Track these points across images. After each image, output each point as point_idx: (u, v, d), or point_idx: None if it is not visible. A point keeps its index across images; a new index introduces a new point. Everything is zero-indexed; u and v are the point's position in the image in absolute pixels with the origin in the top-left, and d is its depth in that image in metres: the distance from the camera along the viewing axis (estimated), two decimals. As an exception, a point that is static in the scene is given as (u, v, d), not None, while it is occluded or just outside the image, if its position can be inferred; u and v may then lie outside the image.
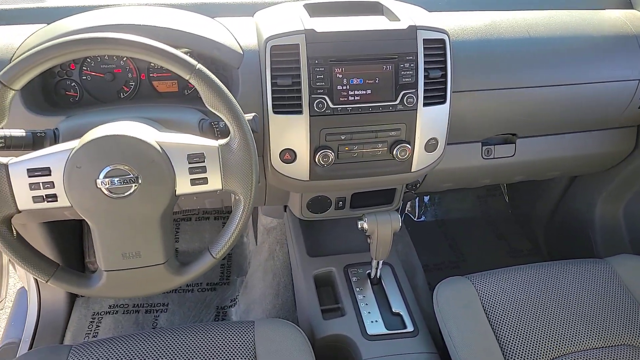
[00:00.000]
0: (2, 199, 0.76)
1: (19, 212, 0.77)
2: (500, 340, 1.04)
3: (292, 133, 0.99)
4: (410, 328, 1.16)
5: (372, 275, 1.27)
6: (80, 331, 1.60)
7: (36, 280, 1.59)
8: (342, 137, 1.02)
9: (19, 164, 0.76)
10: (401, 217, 1.15)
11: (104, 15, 1.01)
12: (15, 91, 0.73)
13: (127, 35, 0.75)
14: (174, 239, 0.86)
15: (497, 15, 1.17)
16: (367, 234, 1.15)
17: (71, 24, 0.97)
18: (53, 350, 0.99)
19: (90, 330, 1.61)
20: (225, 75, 1.04)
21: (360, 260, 1.33)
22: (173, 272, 0.86)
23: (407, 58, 0.99)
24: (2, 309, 1.66)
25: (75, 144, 0.78)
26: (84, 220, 0.80)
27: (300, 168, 1.03)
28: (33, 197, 0.76)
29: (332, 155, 1.01)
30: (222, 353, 0.98)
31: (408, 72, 0.99)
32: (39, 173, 0.76)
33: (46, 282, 0.81)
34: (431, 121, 1.03)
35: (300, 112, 0.98)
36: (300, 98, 0.97)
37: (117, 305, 1.69)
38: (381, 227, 1.12)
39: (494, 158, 1.26)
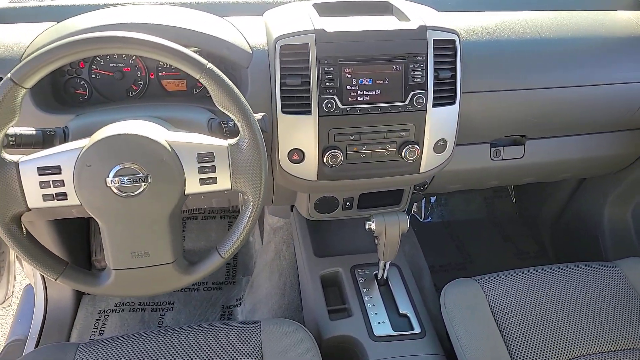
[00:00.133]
0: (13, 197, 0.76)
1: (29, 210, 0.77)
2: (508, 343, 1.03)
3: (300, 133, 0.99)
4: (417, 330, 1.15)
5: (379, 276, 1.27)
6: (86, 329, 1.60)
7: (43, 278, 1.60)
8: (351, 138, 1.01)
9: (29, 162, 0.76)
10: (408, 217, 1.14)
11: (114, 13, 1.01)
12: (27, 89, 0.73)
13: (138, 34, 0.75)
14: (182, 239, 0.86)
15: (508, 15, 1.17)
16: (374, 234, 1.15)
17: (81, 23, 0.97)
18: (60, 348, 1.00)
19: (97, 328, 1.61)
20: (234, 74, 1.04)
21: (367, 261, 1.33)
22: (181, 272, 0.86)
23: (417, 58, 0.98)
24: (9, 306, 1.66)
25: (85, 142, 0.78)
26: (91, 218, 0.80)
27: (309, 168, 1.03)
28: (43, 195, 0.77)
29: (340, 156, 1.01)
30: (229, 353, 0.98)
31: (418, 73, 0.99)
32: (50, 171, 0.76)
33: (55, 280, 0.81)
34: (440, 122, 1.03)
35: (309, 112, 0.98)
36: (309, 98, 0.97)
37: (123, 303, 1.69)
38: (389, 228, 1.12)
39: (502, 159, 1.26)
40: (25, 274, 1.84)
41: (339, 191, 1.18)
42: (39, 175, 0.76)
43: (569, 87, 1.14)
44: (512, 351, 1.02)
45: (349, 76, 0.97)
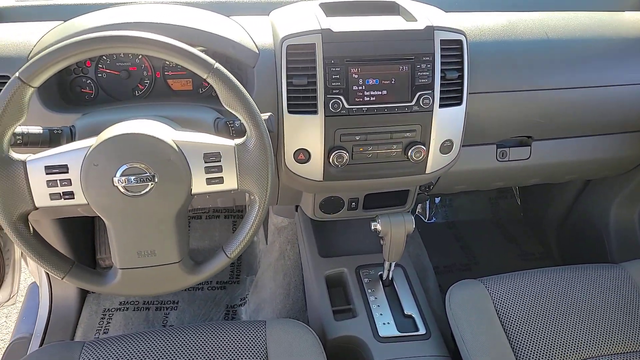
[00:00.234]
0: (20, 195, 0.76)
1: (36, 209, 0.77)
2: (514, 345, 1.03)
3: (306, 133, 0.99)
4: (422, 331, 1.15)
5: (384, 276, 1.27)
6: (90, 327, 1.61)
7: (48, 276, 1.60)
8: (357, 138, 1.01)
9: (36, 161, 0.76)
10: (413, 218, 1.14)
11: (120, 12, 1.01)
12: (35, 88, 0.73)
13: (146, 33, 0.75)
14: (188, 238, 0.86)
15: (515, 16, 1.16)
16: (380, 235, 1.14)
17: (88, 22, 0.98)
18: (67, 346, 1.00)
19: (101, 327, 1.62)
20: (240, 74, 1.04)
21: (372, 262, 1.33)
22: (187, 271, 0.86)
23: (424, 59, 0.98)
24: (13, 304, 1.67)
25: (92, 141, 0.78)
26: (95, 217, 0.80)
27: (314, 168, 1.03)
28: (50, 194, 0.77)
29: (346, 156, 1.01)
30: (234, 352, 0.98)
31: (424, 73, 0.98)
32: (57, 170, 0.76)
33: (61, 279, 0.81)
34: (447, 122, 1.03)
35: (315, 112, 0.97)
36: (315, 98, 0.97)
37: (127, 302, 1.70)
38: (394, 229, 1.12)
39: (508, 160, 1.25)
40: (30, 272, 1.85)
41: (345, 191, 1.18)
42: (47, 174, 0.76)
43: (577, 88, 1.13)
44: (517, 353, 1.02)
45: (356, 76, 0.97)
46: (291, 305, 1.55)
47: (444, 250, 1.92)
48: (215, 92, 0.82)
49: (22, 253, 1.49)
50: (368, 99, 0.98)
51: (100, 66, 1.04)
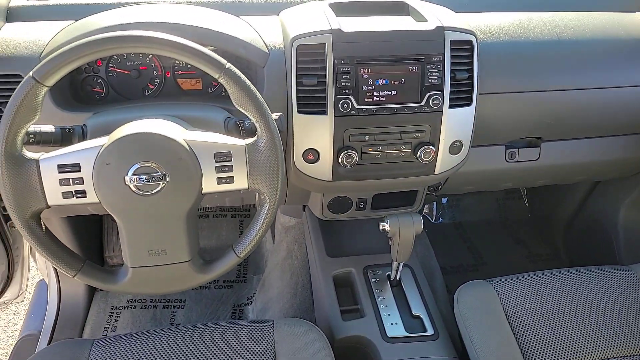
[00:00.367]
0: (33, 194, 0.76)
1: (49, 207, 0.78)
2: (523, 347, 1.03)
3: (316, 133, 0.99)
4: (430, 331, 1.15)
5: (392, 277, 1.26)
6: (98, 325, 1.62)
7: (56, 274, 1.61)
8: (366, 138, 1.01)
9: (49, 159, 0.77)
10: (422, 219, 1.14)
11: (131, 12, 1.02)
12: (48, 88, 0.74)
13: (159, 33, 0.75)
14: (198, 237, 0.86)
15: (525, 16, 1.16)
16: (388, 235, 1.14)
17: (99, 21, 0.98)
18: (76, 344, 1.01)
19: (109, 325, 1.62)
20: (249, 74, 1.04)
21: (380, 262, 1.33)
22: (197, 270, 0.86)
23: (434, 59, 0.98)
24: (22, 301, 1.68)
25: (104, 140, 0.78)
26: (103, 215, 0.81)
27: (323, 168, 1.03)
28: (63, 192, 0.77)
29: (355, 156, 1.01)
30: (242, 351, 0.98)
31: (434, 74, 0.98)
32: (69, 169, 0.76)
33: (73, 277, 0.82)
34: (456, 123, 1.02)
35: (324, 112, 0.98)
36: (325, 98, 0.97)
37: (135, 300, 1.70)
38: (403, 229, 1.12)
39: (517, 161, 1.25)
40: (38, 269, 1.86)
41: (353, 191, 1.18)
42: (59, 172, 0.76)
43: (588, 89, 1.13)
44: (526, 355, 1.01)
45: (366, 76, 0.97)
46: (298, 305, 1.55)
47: (451, 251, 1.91)
48: (225, 91, 0.83)
49: (31, 250, 1.50)
50: (378, 99, 0.98)
51: (111, 65, 1.04)
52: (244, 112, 0.80)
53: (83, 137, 0.88)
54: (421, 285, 1.27)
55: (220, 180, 0.81)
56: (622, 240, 1.57)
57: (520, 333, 1.05)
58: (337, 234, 1.45)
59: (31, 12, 1.06)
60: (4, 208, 1.29)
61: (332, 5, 1.05)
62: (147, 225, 0.81)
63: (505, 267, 1.83)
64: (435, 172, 1.07)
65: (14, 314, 1.94)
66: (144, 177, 0.77)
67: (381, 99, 0.98)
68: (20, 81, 0.79)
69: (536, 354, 1.01)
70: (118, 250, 1.78)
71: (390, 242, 1.16)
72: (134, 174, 0.77)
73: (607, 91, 1.14)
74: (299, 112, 0.98)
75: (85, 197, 0.78)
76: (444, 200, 2.06)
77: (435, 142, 1.03)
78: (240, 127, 0.92)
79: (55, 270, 1.59)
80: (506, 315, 1.08)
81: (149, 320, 1.65)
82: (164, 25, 0.97)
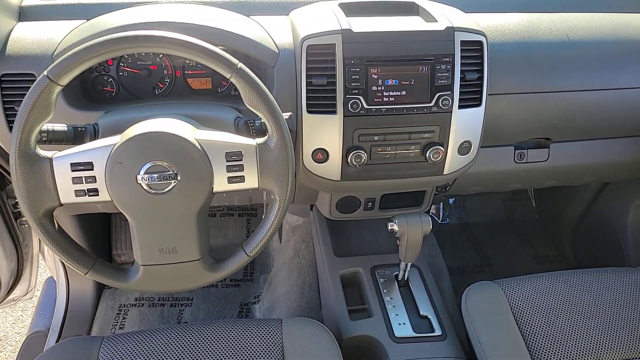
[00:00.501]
0: (47, 192, 0.77)
1: (61, 205, 0.79)
2: (531, 348, 1.03)
3: (325, 133, 0.99)
4: (438, 332, 1.15)
5: (400, 277, 1.27)
6: (107, 322, 1.63)
7: (65, 271, 1.62)
8: (375, 138, 1.01)
9: (62, 158, 0.77)
10: (430, 219, 1.14)
11: (142, 12, 1.02)
12: (62, 87, 0.75)
13: (171, 33, 0.75)
14: (209, 236, 0.87)
15: (536, 17, 1.15)
16: (397, 235, 1.15)
17: (111, 21, 0.99)
18: (86, 341, 1.01)
19: (117, 322, 1.63)
20: (259, 73, 1.05)
21: (387, 262, 1.33)
22: (207, 269, 0.87)
23: (444, 60, 0.98)
24: (30, 298, 1.69)
25: (116, 139, 0.79)
26: (112, 213, 0.81)
27: (332, 168, 1.03)
28: (75, 191, 0.78)
29: (364, 156, 1.01)
30: (251, 349, 0.99)
31: (444, 74, 0.98)
32: (82, 167, 0.77)
33: (85, 274, 0.83)
34: (465, 124, 1.02)
35: (334, 112, 0.98)
36: (334, 98, 0.97)
37: (143, 298, 1.71)
38: (411, 229, 1.12)
39: (526, 162, 1.24)
40: (47, 267, 1.88)
41: (362, 191, 1.18)
42: (72, 171, 0.77)
43: (597, 90, 1.12)
44: (534, 357, 1.01)
45: (375, 76, 0.97)
46: (306, 304, 1.56)
47: (457, 252, 1.91)
48: (234, 91, 0.83)
49: (40, 248, 1.51)
50: (387, 99, 0.98)
51: (122, 65, 1.05)
52: (255, 111, 0.80)
53: (95, 135, 0.88)
54: (429, 285, 1.27)
55: (230, 180, 0.81)
56: (631, 242, 1.56)
57: (529, 334, 1.05)
58: (345, 234, 1.45)
59: (43, 11, 1.07)
60: (14, 205, 1.31)
61: (342, 5, 1.05)
62: (158, 223, 0.81)
63: (512, 268, 1.83)
64: (444, 173, 1.07)
65: (22, 310, 1.96)
66: (156, 175, 0.78)
67: (391, 99, 0.98)
68: (33, 80, 0.80)
69: (544, 355, 1.01)
70: (126, 248, 1.79)
71: (398, 242, 1.17)
72: (145, 173, 0.77)
73: (617, 92, 1.14)
74: (309, 111, 0.98)
75: (98, 195, 0.79)
76: (451, 200, 2.06)
77: (444, 143, 1.03)
78: (251, 127, 0.92)
79: (64, 267, 1.60)
80: (514, 316, 1.08)
81: (156, 318, 1.66)
82: (175, 25, 0.98)
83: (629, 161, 1.31)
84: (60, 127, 0.84)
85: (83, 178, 0.77)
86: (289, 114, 0.87)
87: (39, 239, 1.45)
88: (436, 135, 1.02)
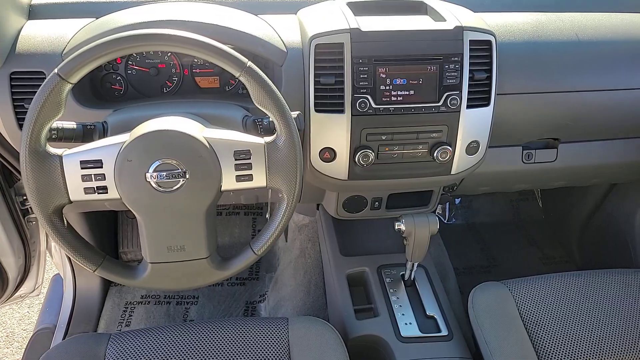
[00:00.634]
0: (56, 189, 0.77)
1: (71, 202, 0.79)
2: (537, 349, 1.02)
3: (332, 132, 0.99)
4: (444, 332, 1.15)
5: (406, 277, 1.26)
6: (113, 320, 1.63)
7: (72, 269, 1.63)
8: (383, 138, 1.01)
9: (72, 155, 0.78)
10: (437, 219, 1.14)
11: (152, 10, 1.02)
12: (72, 85, 0.75)
13: (181, 31, 0.76)
14: (217, 234, 0.87)
15: (545, 16, 1.15)
16: (403, 235, 1.14)
17: (121, 19, 0.99)
18: (93, 338, 1.02)
19: (123, 320, 1.64)
20: (267, 72, 1.04)
21: (394, 262, 1.33)
22: (215, 267, 0.87)
23: (452, 59, 0.97)
24: (38, 295, 1.70)
25: (125, 137, 0.79)
26: (119, 211, 0.81)
27: (339, 167, 1.03)
28: (85, 188, 0.78)
29: (372, 156, 1.01)
30: (257, 348, 0.99)
31: (452, 74, 0.98)
32: (92, 165, 0.77)
33: (93, 271, 0.83)
34: (474, 123, 1.02)
35: (342, 111, 0.98)
36: (342, 97, 0.97)
37: (149, 295, 1.72)
38: (418, 229, 1.12)
39: (534, 163, 1.24)
40: (54, 264, 1.89)
41: (369, 191, 1.18)
42: (82, 168, 0.77)
43: (606, 90, 1.12)
44: (541, 358, 1.01)
45: (383, 76, 0.97)
46: (311, 303, 1.56)
47: (464, 252, 1.91)
48: (242, 89, 0.82)
49: (47, 245, 1.51)
50: (395, 98, 0.98)
51: (130, 63, 1.06)
52: (263, 110, 0.80)
53: (104, 133, 0.89)
54: (435, 285, 1.27)
55: (239, 178, 0.81)
56: (638, 243, 1.56)
57: (536, 335, 1.04)
58: (351, 233, 1.45)
59: (53, 9, 1.08)
60: (22, 203, 1.32)
61: (350, 4, 1.05)
62: (167, 221, 0.81)
63: (518, 269, 1.82)
64: (452, 173, 1.06)
65: (28, 307, 1.97)
66: (165, 174, 0.78)
67: (399, 98, 0.98)
68: (43, 78, 0.80)
69: (551, 356, 1.01)
70: (133, 246, 1.80)
71: (405, 242, 1.16)
72: (154, 171, 0.78)
73: (627, 92, 1.13)
74: (316, 110, 0.98)
75: (107, 193, 0.79)
76: (457, 200, 2.06)
77: (452, 143, 1.02)
78: (259, 126, 0.92)
79: (71, 264, 1.61)
80: (521, 317, 1.07)
81: (162, 315, 1.67)
82: (183, 23, 0.98)
83: (637, 162, 1.30)
84: (70, 125, 0.84)
85: (92, 176, 0.78)
86: (297, 112, 0.87)
87: (46, 235, 1.46)
88: (444, 135, 1.02)
